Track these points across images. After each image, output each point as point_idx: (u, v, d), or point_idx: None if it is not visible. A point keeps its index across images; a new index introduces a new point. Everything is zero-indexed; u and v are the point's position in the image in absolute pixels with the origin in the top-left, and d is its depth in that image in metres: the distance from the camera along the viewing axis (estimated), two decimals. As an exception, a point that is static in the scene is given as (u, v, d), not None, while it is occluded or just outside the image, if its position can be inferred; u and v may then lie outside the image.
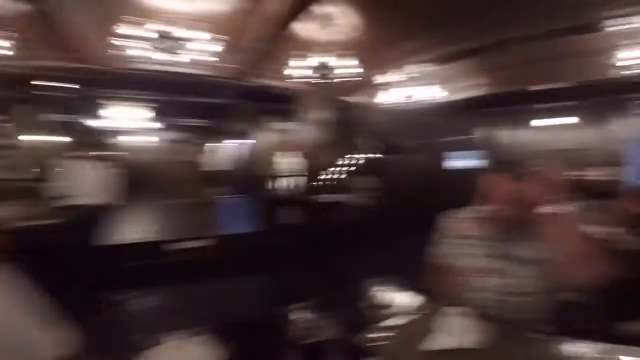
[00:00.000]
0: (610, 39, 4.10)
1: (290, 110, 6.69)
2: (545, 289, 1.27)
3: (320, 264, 4.44)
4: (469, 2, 3.81)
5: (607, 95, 6.60)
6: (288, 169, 7.75)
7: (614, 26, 3.78)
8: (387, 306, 1.34)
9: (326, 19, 4.37)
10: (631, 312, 1.46)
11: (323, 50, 4.56)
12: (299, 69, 4.72)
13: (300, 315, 1.39)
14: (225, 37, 4.44)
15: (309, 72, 4.72)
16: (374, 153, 9.52)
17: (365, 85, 6.40)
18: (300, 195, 6.31)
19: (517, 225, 1.27)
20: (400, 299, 1.45)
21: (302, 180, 6.45)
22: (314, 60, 4.58)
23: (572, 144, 7.63)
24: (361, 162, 9.41)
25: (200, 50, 4.24)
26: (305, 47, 4.63)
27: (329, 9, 4.19)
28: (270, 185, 7.14)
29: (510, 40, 4.38)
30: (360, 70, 5.04)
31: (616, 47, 4.08)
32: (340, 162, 9.13)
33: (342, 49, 4.60)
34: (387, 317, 1.29)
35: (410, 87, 5.96)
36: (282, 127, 8.44)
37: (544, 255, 1.20)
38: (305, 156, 6.40)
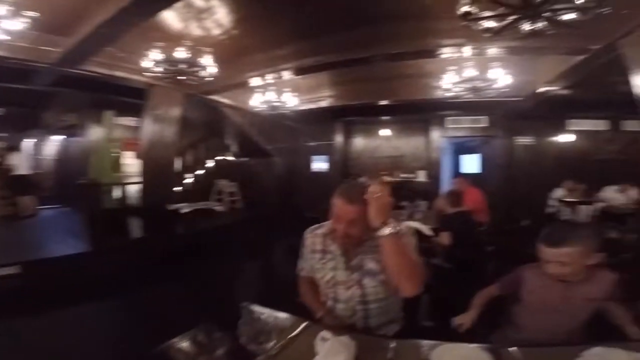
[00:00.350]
0: (441, 64, 4.98)
1: (137, 105, 5.73)
2: (392, 295, 1.45)
3: (182, 284, 3.91)
4: (335, 19, 4.05)
5: (432, 112, 8.15)
6: (132, 172, 6.63)
7: (446, 54, 4.60)
8: (266, 329, 1.25)
9: (197, 13, 3.94)
10: (455, 305, 1.73)
11: (187, 44, 4.11)
12: (153, 61, 4.14)
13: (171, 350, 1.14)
14: (52, 16, 3.59)
15: (166, 66, 4.19)
16: (237, 156, 9.24)
17: (231, 86, 6.09)
18: (148, 204, 5.43)
19: (359, 241, 1.42)
20: (278, 319, 1.39)
21: (150, 187, 5.54)
22: (174, 54, 4.08)
23: (403, 152, 9.18)
24: (223, 165, 8.98)
25: (7, 30, 3.25)
26: (168, 38, 4.11)
27: (202, 2, 3.79)
28: (108, 193, 5.96)
29: (366, 58, 4.84)
30: (226, 70, 4.79)
31: (444, 71, 4.93)
32: (198, 166, 8.47)
33: (209, 45, 4.25)
34: (268, 342, 1.22)
35: (275, 93, 5.98)
36: (125, 123, 7.23)
37: (384, 265, 1.35)
38: (155, 158, 5.54)
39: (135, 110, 5.98)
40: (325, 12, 3.84)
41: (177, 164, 6.88)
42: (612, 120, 7.52)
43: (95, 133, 6.83)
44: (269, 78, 5.62)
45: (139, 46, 4.22)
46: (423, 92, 6.47)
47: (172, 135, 5.64)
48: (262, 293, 3.66)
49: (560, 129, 7.91)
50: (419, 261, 1.38)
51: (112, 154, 6.95)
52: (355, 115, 8.79)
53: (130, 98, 5.73)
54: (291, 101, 6.15)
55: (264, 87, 5.93)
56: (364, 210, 1.30)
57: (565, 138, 7.91)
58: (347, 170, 9.43)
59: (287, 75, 5.51)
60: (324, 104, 7.62)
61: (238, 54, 4.90)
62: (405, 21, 3.93)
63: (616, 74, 3.87)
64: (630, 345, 1.14)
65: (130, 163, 7.06)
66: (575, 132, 7.86)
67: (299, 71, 5.42)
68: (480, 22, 2.47)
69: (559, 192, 6.35)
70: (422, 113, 8.27)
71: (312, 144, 9.81)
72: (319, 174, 9.64)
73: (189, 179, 8.14)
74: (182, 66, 4.17)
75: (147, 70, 4.27)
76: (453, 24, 3.17)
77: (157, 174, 5.47)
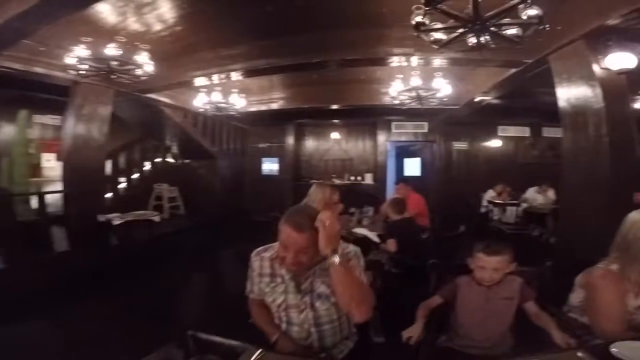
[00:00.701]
0: (390, 72, 5.16)
1: (60, 103, 5.07)
2: (344, 314, 1.46)
3: (116, 304, 3.48)
4: (288, 22, 3.97)
5: (379, 116, 8.43)
6: (54, 177, 5.86)
7: (395, 62, 4.72)
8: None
9: (137, 7, 3.59)
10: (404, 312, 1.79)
11: (121, 40, 3.75)
12: (77, 58, 3.72)
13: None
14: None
15: (92, 63, 3.79)
16: (177, 158, 8.67)
17: (173, 85, 5.72)
18: (73, 213, 4.83)
19: (309, 265, 1.38)
20: (229, 349, 1.26)
21: (75, 193, 4.93)
22: (104, 50, 3.69)
23: (352, 155, 9.38)
24: (162, 168, 8.36)
25: None
26: (99, 33, 3.71)
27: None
28: (24, 202, 5.26)
29: (319, 62, 4.83)
30: (167, 68, 4.51)
31: (393, 79, 5.08)
32: (134, 169, 7.79)
33: (147, 42, 3.93)
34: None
35: (223, 94, 5.70)
36: (46, 121, 6.41)
37: (334, 292, 1.36)
38: (81, 161, 4.94)
39: (57, 108, 5.32)
40: (279, 15, 3.74)
41: (108, 167, 6.26)
42: (534, 127, 8.44)
43: (7, 133, 5.96)
44: (216, 78, 5.34)
45: (64, 41, 3.75)
46: (372, 97, 6.64)
47: (101, 135, 5.05)
48: (210, 310, 3.44)
49: (492, 135, 8.68)
50: (367, 286, 1.42)
51: (29, 156, 6.11)
52: (307, 117, 8.78)
53: (52, 95, 5.08)
54: (240, 102, 5.92)
55: (210, 87, 5.63)
56: (314, 238, 1.27)
57: (496, 143, 8.72)
58: (297, 172, 9.38)
59: (235, 76, 5.28)
60: (275, 106, 7.47)
61: (182, 52, 4.59)
62: (360, 28, 3.97)
63: (543, 86, 4.29)
64: (563, 355, 1.22)
65: (51, 166, 6.27)
66: (503, 138, 8.68)
67: (249, 73, 5.24)
68: (431, 33, 2.55)
69: (489, 194, 6.90)
70: (370, 117, 8.52)
71: (261, 145, 9.61)
72: (269, 177, 9.45)
73: (122, 184, 7.46)
74: (114, 63, 3.79)
75: (71, 67, 3.80)
76: (404, 33, 3.25)
77: (83, 178, 4.86)
